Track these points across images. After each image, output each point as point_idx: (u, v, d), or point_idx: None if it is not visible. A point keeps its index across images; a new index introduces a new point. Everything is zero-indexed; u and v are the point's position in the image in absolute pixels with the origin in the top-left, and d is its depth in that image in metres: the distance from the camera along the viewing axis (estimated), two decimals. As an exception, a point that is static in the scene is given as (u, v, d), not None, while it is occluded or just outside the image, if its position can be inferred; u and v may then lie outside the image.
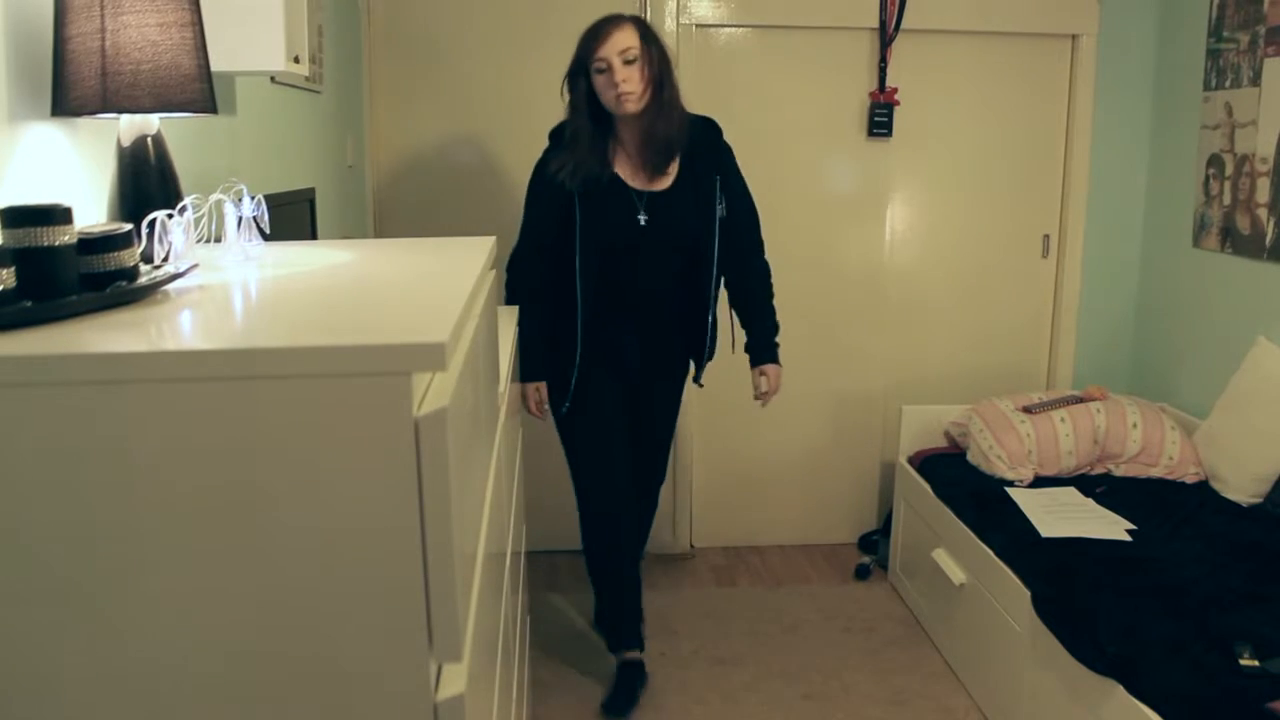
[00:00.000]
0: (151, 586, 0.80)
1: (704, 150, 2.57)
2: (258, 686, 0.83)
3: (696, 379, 2.82)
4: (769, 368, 2.71)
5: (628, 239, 2.52)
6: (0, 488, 0.78)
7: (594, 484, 2.70)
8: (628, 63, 2.37)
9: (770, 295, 2.74)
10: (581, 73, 2.41)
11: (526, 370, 2.60)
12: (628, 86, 2.37)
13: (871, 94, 3.53)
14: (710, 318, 2.66)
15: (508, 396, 2.18)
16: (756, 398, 2.73)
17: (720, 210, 2.59)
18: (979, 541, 2.72)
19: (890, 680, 2.85)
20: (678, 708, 2.71)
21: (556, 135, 2.54)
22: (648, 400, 2.79)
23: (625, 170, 2.52)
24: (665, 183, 2.54)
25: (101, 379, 0.77)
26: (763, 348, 2.71)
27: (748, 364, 2.74)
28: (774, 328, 2.73)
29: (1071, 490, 2.90)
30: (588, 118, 2.44)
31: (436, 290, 1.06)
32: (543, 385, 2.64)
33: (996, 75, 3.59)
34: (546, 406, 2.66)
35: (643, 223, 2.50)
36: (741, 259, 2.69)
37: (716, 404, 3.59)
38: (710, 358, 2.76)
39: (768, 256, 2.74)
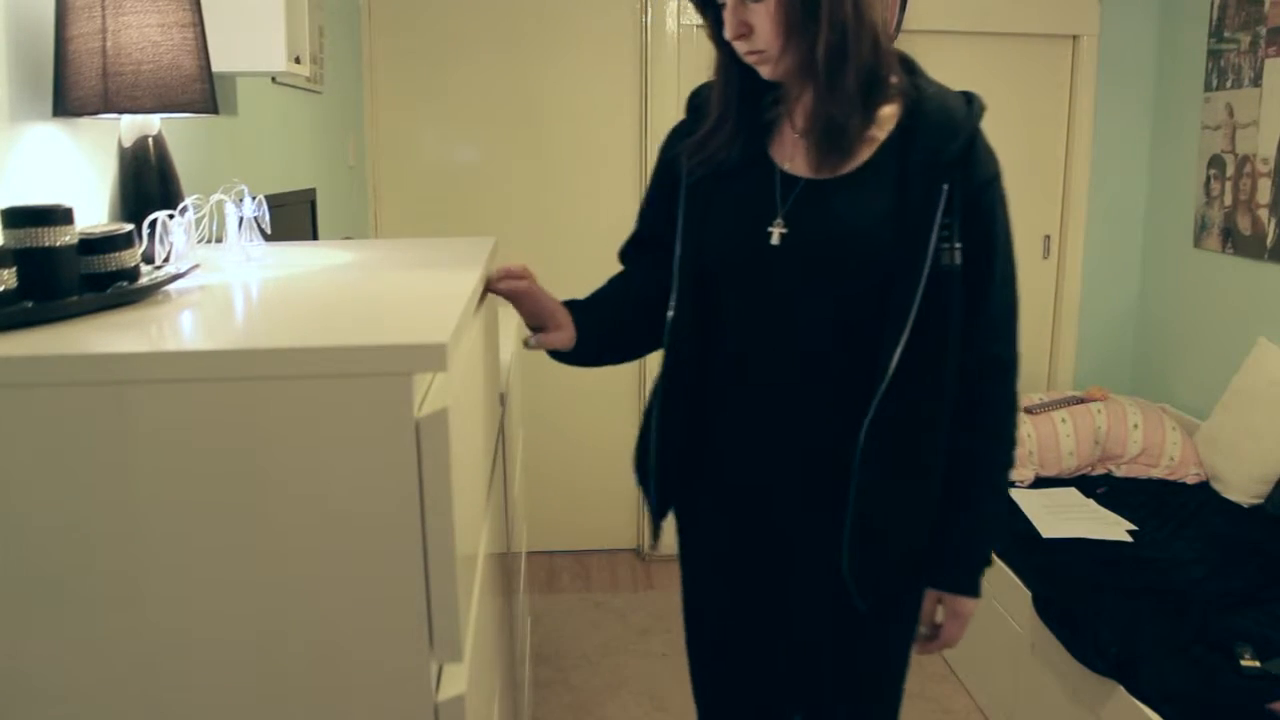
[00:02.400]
0: (151, 587, 0.80)
1: (938, 140, 1.34)
2: (258, 686, 0.83)
3: (940, 581, 1.46)
4: (958, 601, 1.45)
5: (749, 254, 1.37)
6: (0, 488, 0.78)
7: (711, 699, 1.66)
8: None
9: (1001, 457, 1.44)
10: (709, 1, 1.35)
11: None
12: (749, 45, 1.30)
13: (872, 94, 3.52)
14: (934, 454, 1.39)
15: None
16: (920, 638, 1.50)
17: (950, 249, 1.31)
18: (979, 542, 2.72)
19: (890, 681, 2.85)
20: (680, 707, 2.71)
21: (695, 98, 1.49)
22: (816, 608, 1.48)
23: (781, 148, 1.40)
24: (842, 168, 1.35)
25: (102, 379, 0.77)
26: (959, 561, 1.46)
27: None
28: (994, 527, 1.48)
29: (1072, 491, 2.90)
30: (730, 68, 1.38)
31: (437, 291, 1.06)
32: (560, 315, 1.42)
33: (996, 75, 3.59)
34: (518, 285, 1.35)
35: (775, 239, 1.35)
36: (958, 367, 1.36)
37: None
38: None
39: None
